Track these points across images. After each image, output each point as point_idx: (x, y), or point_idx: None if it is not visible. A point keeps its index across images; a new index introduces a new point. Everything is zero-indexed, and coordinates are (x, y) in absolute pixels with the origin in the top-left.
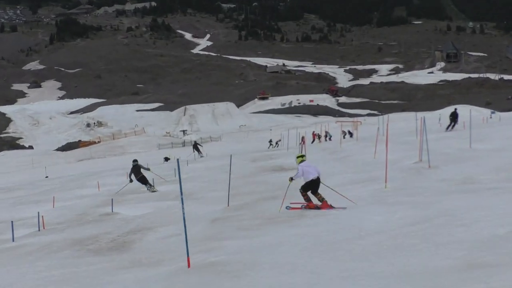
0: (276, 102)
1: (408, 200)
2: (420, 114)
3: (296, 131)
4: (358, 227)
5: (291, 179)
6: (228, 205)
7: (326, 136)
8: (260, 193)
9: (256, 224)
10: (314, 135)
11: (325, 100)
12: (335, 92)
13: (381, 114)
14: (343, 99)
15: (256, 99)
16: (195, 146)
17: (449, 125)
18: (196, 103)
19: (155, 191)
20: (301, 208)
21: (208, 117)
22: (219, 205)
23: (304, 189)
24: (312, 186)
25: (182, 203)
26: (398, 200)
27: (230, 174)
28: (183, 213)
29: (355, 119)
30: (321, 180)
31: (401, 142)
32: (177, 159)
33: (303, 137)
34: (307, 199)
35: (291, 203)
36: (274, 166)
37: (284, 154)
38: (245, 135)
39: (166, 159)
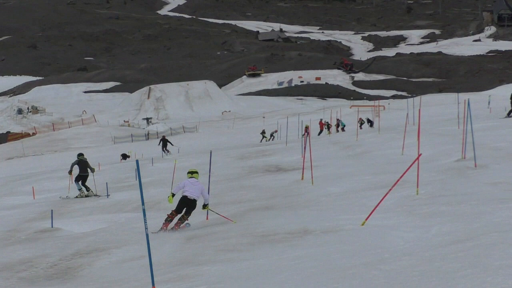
0: (270, 80)
1: (448, 211)
2: (463, 96)
3: (297, 119)
4: (380, 247)
5: (172, 194)
6: (207, 218)
7: (337, 125)
8: (250, 201)
9: (245, 243)
10: (321, 124)
11: (336, 77)
12: (349, 66)
13: (411, 96)
14: (360, 76)
15: (244, 76)
16: (164, 142)
17: (511, 111)
18: (164, 82)
19: (87, 196)
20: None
21: (180, 101)
22: (196, 217)
23: (176, 208)
24: (183, 205)
25: (144, 216)
26: (434, 211)
27: (209, 176)
28: (146, 229)
29: (376, 102)
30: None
31: (437, 133)
32: (136, 161)
33: (306, 127)
34: (167, 219)
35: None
36: (269, 165)
37: (281, 149)
38: (230, 125)
39: (125, 156)
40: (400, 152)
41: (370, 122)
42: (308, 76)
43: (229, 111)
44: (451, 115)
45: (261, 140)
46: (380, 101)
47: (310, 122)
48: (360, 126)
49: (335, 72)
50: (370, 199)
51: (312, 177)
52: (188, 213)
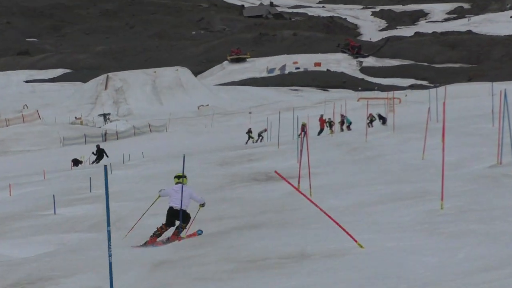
0: (258, 66)
1: (479, 230)
2: (499, 86)
3: (292, 115)
4: (396, 275)
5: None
6: (179, 239)
7: (342, 123)
8: (234, 218)
9: (227, 270)
10: (322, 121)
11: (340, 63)
12: (356, 49)
13: (434, 86)
14: (369, 61)
15: (225, 61)
16: (99, 153)
17: None
18: (126, 69)
19: None
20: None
21: (146, 92)
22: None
23: (166, 220)
24: (171, 218)
25: (109, 239)
26: (462, 230)
27: (182, 187)
28: (109, 254)
29: (390, 94)
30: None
31: (467, 132)
32: (105, 166)
33: (303, 125)
34: (156, 233)
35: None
36: (256, 173)
37: (272, 153)
38: (208, 122)
39: (76, 162)
40: (420, 156)
41: (383, 119)
42: (305, 61)
43: (207, 105)
44: (484, 109)
45: (247, 142)
46: (395, 92)
47: (307, 118)
48: (370, 124)
49: (339, 56)
50: (383, 215)
51: (310, 188)
52: (184, 222)
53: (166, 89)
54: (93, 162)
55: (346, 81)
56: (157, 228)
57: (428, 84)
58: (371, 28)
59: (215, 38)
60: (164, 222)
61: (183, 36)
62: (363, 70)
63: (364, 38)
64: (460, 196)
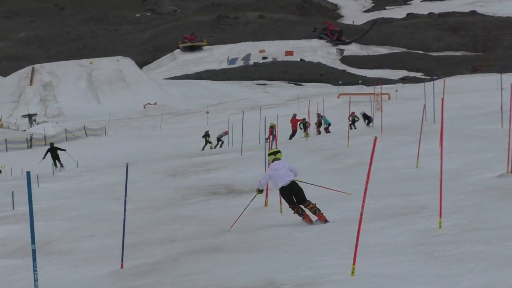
0: (217, 56)
1: (486, 252)
2: (509, 78)
3: (259, 115)
4: None
5: (258, 190)
6: (122, 266)
7: (319, 124)
8: (188, 240)
9: None
10: (295, 122)
11: (316, 51)
12: (336, 35)
13: (430, 79)
14: (352, 48)
15: (177, 50)
16: (53, 152)
17: None
18: (56, 59)
19: None
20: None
21: (81, 88)
22: (105, 265)
23: (287, 202)
24: (289, 195)
25: (34, 259)
26: (465, 252)
27: (125, 203)
28: (35, 278)
29: (378, 89)
30: (299, 182)
31: (471, 135)
32: (28, 173)
33: (272, 127)
34: (299, 212)
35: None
36: (215, 185)
37: (234, 161)
38: (156, 124)
39: None
40: (413, 164)
41: (368, 119)
42: (275, 49)
43: (155, 104)
44: (491, 107)
45: (204, 147)
46: (383, 87)
47: (277, 119)
48: (353, 125)
49: (315, 43)
50: (370, 235)
51: (281, 203)
52: (302, 201)
53: (105, 84)
54: (56, 163)
55: (324, 73)
56: (294, 212)
57: (424, 77)
58: (354, 9)
59: (164, 22)
60: (289, 205)
61: (125, 20)
62: (345, 60)
63: (346, 20)
64: (462, 212)
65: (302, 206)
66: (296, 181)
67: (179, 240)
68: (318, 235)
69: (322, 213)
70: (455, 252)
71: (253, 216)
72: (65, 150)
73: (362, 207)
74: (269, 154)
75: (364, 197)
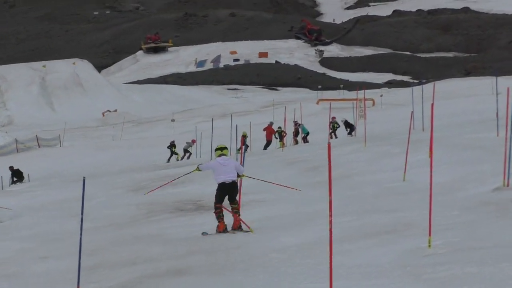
0: (184, 58)
1: (480, 274)
2: (506, 81)
3: (230, 123)
4: None
5: (198, 168)
6: (78, 287)
7: (296, 132)
8: (152, 262)
9: None
10: (270, 131)
11: (293, 52)
12: (315, 34)
13: (419, 83)
14: (333, 49)
15: (139, 52)
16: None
17: None
18: (5, 62)
19: None
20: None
21: (33, 94)
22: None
23: (216, 198)
24: (224, 193)
25: None
26: (456, 274)
27: (82, 221)
28: None
29: (361, 94)
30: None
31: (463, 144)
32: None
33: (244, 137)
34: (218, 216)
35: None
36: (182, 201)
37: (203, 173)
38: (117, 133)
39: None
40: (400, 177)
41: (350, 127)
42: (247, 50)
43: (115, 111)
44: (486, 113)
45: (169, 159)
46: (367, 91)
47: (250, 128)
48: (333, 133)
49: (292, 43)
50: (352, 256)
51: (254, 221)
52: (234, 200)
53: (60, 89)
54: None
55: (302, 77)
56: (215, 212)
57: (411, 80)
58: (334, 6)
59: (125, 20)
60: (216, 202)
61: (82, 18)
62: (325, 62)
63: (326, 19)
64: (453, 230)
65: (221, 206)
66: (245, 178)
67: (142, 261)
68: (295, 255)
69: (239, 218)
70: (446, 274)
71: (223, 235)
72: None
73: (330, 225)
74: (216, 149)
75: (330, 212)
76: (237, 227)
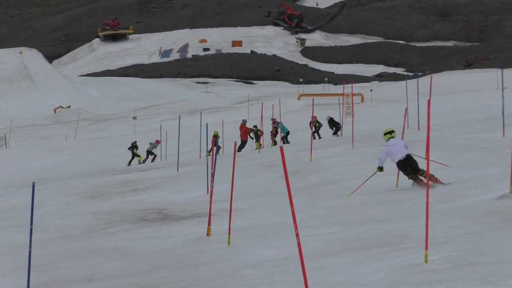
0: (147, 47)
1: None
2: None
3: (199, 122)
4: None
5: (379, 168)
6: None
7: (274, 132)
8: (111, 278)
9: None
10: (245, 130)
11: (271, 41)
12: (296, 20)
13: (414, 75)
14: (316, 37)
15: (96, 39)
16: None
17: None
18: None
19: None
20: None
21: None
22: None
23: (403, 173)
24: (405, 167)
25: None
26: None
27: (31, 232)
28: None
29: (348, 88)
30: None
31: (464, 145)
32: None
33: (216, 137)
34: (413, 178)
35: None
36: (145, 209)
37: (168, 178)
38: (71, 133)
39: None
40: (393, 182)
41: (335, 126)
42: (219, 39)
43: (68, 107)
44: (490, 110)
45: (130, 162)
46: (356, 85)
47: (222, 126)
48: (316, 133)
49: (270, 30)
50: (339, 272)
51: (229, 232)
52: (416, 170)
53: (5, 82)
54: None
55: (281, 69)
56: (408, 178)
57: (405, 73)
58: None
59: (79, 4)
60: (407, 175)
61: (30, 1)
62: (307, 52)
63: (308, 3)
64: (453, 243)
65: (413, 175)
66: (411, 155)
67: (99, 278)
68: (273, 271)
69: (436, 178)
70: None
71: (192, 249)
72: None
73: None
74: (385, 134)
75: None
76: (438, 181)
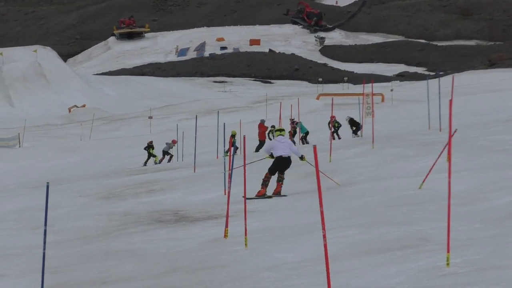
0: (163, 46)
1: None
2: None
3: (216, 121)
4: None
5: (269, 155)
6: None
7: (293, 132)
8: (126, 281)
9: None
10: (263, 130)
11: (290, 39)
12: (315, 18)
13: (435, 75)
14: (336, 36)
15: (111, 38)
16: None
17: None
18: None
19: None
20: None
21: None
22: None
23: (269, 169)
24: (278, 165)
25: None
26: None
27: (45, 233)
28: None
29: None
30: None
31: (487, 147)
32: None
33: (232, 136)
34: (264, 183)
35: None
36: (161, 211)
37: (185, 179)
38: (86, 132)
39: None
40: (415, 184)
41: (355, 126)
42: (236, 37)
43: (83, 106)
44: None
45: (146, 162)
46: (375, 85)
47: (240, 126)
48: (335, 133)
49: (288, 29)
50: (358, 276)
51: (246, 233)
52: (282, 172)
53: (19, 81)
54: None
55: (300, 68)
56: (263, 179)
57: (426, 73)
58: None
59: (93, 1)
60: (268, 172)
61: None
62: (326, 50)
63: (327, 1)
64: (476, 246)
65: (270, 176)
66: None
67: (114, 281)
68: (291, 273)
69: (281, 185)
70: None
71: (209, 251)
72: None
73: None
74: (275, 131)
75: (323, 226)
76: (277, 192)
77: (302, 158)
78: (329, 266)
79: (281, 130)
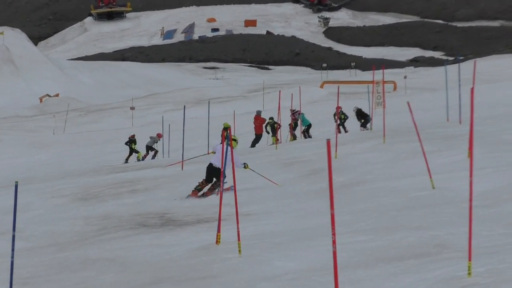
0: (146, 27)
1: None
2: None
3: (207, 113)
4: None
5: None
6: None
7: (294, 125)
8: None
9: None
10: (260, 122)
11: (290, 20)
12: None
13: (454, 60)
14: (342, 16)
15: (88, 18)
16: None
17: None
18: None
19: None
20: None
21: None
22: None
23: (205, 177)
24: (210, 173)
25: None
26: None
27: (14, 239)
28: None
29: (377, 74)
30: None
31: (510, 142)
32: None
33: (225, 129)
34: (197, 187)
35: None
36: (143, 213)
37: (171, 177)
38: (59, 125)
39: None
40: (429, 183)
41: (364, 118)
42: (230, 18)
43: (56, 96)
44: None
45: (128, 158)
46: (386, 71)
47: (234, 118)
48: (341, 125)
49: (288, 8)
50: (368, 286)
51: (239, 238)
52: (215, 178)
53: None
54: None
55: (301, 52)
56: (198, 182)
57: (444, 57)
58: None
59: None
60: (204, 178)
61: None
62: (331, 33)
63: None
64: (500, 253)
65: (206, 184)
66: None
67: None
68: (292, 284)
69: (210, 192)
70: None
71: (199, 259)
72: None
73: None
74: (224, 129)
75: (333, 231)
76: (207, 195)
77: (245, 166)
78: (333, 278)
79: (226, 128)
